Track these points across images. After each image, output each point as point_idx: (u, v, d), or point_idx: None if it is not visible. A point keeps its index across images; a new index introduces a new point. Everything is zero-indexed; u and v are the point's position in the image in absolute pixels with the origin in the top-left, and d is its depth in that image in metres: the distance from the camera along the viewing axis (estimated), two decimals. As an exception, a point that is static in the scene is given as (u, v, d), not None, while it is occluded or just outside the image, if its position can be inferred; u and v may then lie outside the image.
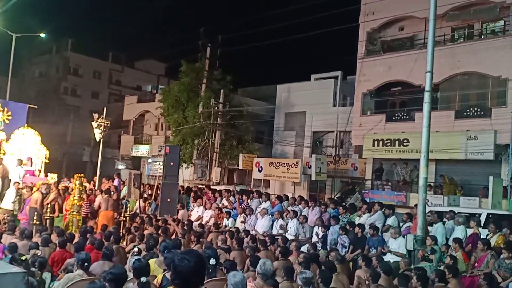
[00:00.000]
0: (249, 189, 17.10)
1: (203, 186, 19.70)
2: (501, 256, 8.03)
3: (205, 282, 4.87)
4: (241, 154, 24.17)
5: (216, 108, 25.79)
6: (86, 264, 6.17)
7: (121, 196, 14.59)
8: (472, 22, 19.43)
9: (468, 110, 18.22)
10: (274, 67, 36.42)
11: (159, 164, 24.91)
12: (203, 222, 12.66)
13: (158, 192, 14.65)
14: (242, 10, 60.53)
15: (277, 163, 22.28)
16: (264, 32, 34.94)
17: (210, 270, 5.97)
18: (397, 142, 19.45)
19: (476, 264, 8.47)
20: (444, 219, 10.56)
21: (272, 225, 11.74)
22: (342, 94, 25.73)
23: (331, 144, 25.45)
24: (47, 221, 12.01)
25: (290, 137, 27.03)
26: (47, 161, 15.65)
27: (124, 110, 36.93)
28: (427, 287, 6.66)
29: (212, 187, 19.39)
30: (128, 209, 13.13)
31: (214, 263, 6.11)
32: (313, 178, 21.15)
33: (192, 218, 13.40)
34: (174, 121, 27.06)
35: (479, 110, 17.94)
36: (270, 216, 12.04)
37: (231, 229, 11.39)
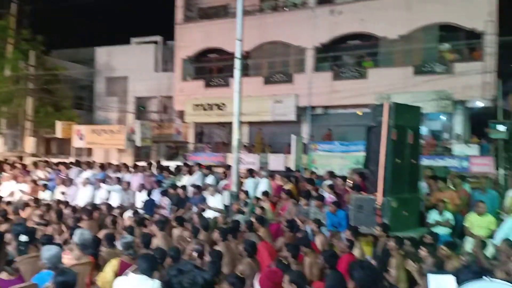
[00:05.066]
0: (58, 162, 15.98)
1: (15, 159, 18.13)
2: (300, 203, 9.37)
3: (16, 260, 4.87)
4: (58, 122, 22.71)
5: (26, 71, 23.49)
6: None
7: None
8: (278, -6, 21.16)
9: (274, 76, 20.13)
10: (91, 28, 34.12)
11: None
12: (16, 198, 11.88)
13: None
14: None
15: (100, 130, 21.65)
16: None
17: (22, 248, 5.62)
18: (215, 106, 20.59)
19: (281, 212, 9.72)
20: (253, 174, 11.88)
21: (94, 194, 11.71)
22: (163, 59, 25.83)
23: (155, 109, 25.63)
24: None
25: (112, 103, 26.24)
26: None
27: None
28: (238, 237, 7.60)
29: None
30: None
31: (26, 239, 5.70)
32: (138, 144, 21.18)
33: (3, 194, 12.36)
34: (-25, 86, 23.79)
35: (283, 76, 19.98)
36: (92, 185, 11.95)
37: (48, 202, 10.98)
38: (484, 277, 2.39)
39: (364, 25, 18.14)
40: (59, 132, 22.56)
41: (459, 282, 2.97)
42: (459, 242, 7.85)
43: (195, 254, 6.22)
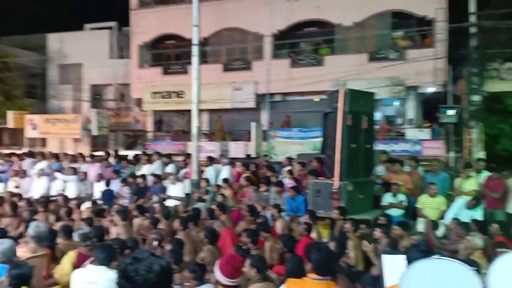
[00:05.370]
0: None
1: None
2: (260, 190, 9.52)
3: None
4: (9, 112, 21.89)
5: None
6: None
7: None
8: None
9: (233, 63, 20.02)
10: (42, 14, 32.79)
11: None
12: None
13: None
14: None
15: (54, 119, 21.09)
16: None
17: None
18: (174, 94, 20.29)
19: (242, 199, 9.87)
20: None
21: (50, 185, 11.40)
22: (119, 46, 25.20)
23: (112, 97, 25.04)
24: None
25: (66, 91, 25.42)
26: None
27: None
28: (199, 224, 7.64)
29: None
30: None
31: None
32: (94, 133, 20.71)
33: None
34: None
35: (242, 63, 19.89)
36: (47, 176, 11.62)
37: (1, 195, 10.61)
38: (433, 255, 2.56)
39: (319, 12, 18.30)
40: (10, 122, 21.81)
41: (409, 260, 3.13)
42: (412, 222, 8.20)
43: (155, 243, 6.21)
